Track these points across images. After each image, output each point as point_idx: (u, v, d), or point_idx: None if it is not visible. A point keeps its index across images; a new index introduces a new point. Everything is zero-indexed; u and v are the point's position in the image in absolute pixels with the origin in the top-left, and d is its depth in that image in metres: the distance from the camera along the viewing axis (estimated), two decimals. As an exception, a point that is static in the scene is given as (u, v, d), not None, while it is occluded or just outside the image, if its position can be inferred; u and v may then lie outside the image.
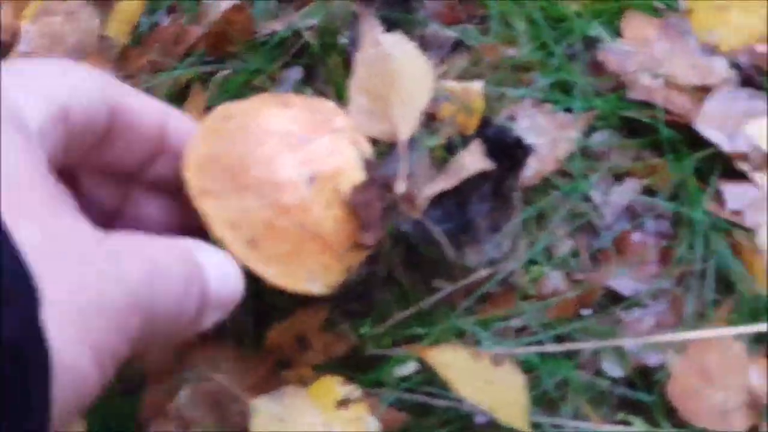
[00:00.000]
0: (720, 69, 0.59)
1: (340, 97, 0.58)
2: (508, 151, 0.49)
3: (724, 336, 0.49)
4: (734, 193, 0.55)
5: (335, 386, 0.48)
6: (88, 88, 0.37)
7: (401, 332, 0.51)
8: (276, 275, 0.43)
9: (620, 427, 0.48)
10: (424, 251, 0.50)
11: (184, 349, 0.51)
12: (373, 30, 0.51)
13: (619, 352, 0.50)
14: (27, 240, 0.28)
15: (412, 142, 0.50)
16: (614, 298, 0.52)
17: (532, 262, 0.53)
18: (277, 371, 0.50)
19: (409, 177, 0.49)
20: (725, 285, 0.53)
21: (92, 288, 0.30)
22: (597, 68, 0.60)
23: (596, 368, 0.50)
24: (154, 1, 0.72)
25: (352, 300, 0.49)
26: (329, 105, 0.49)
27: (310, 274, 0.44)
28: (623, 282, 0.53)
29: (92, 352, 0.29)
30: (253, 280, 0.42)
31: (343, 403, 0.47)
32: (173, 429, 0.50)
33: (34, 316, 0.27)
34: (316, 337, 0.50)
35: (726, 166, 0.56)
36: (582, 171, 0.56)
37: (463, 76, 0.60)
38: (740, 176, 0.56)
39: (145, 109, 0.41)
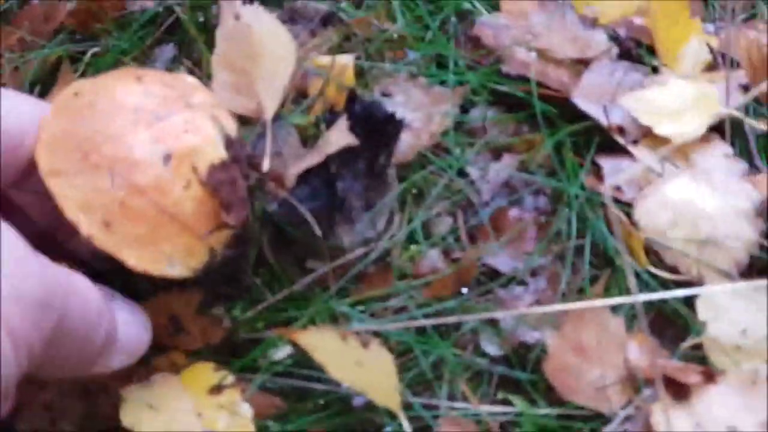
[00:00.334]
0: (599, 42, 0.59)
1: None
2: (378, 126, 0.48)
3: (598, 307, 0.48)
4: (612, 167, 0.55)
5: (208, 372, 0.47)
6: None
7: (275, 315, 0.50)
8: (133, 258, 0.42)
9: (498, 407, 0.48)
10: (292, 231, 0.48)
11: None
12: (232, 2, 0.49)
13: (497, 331, 0.49)
14: None
15: (279, 118, 0.49)
16: (493, 275, 0.52)
17: (409, 240, 0.52)
18: (149, 358, 0.49)
19: (277, 155, 0.48)
20: (604, 260, 0.52)
21: (16, 278, 0.33)
22: (474, 42, 0.59)
23: (475, 348, 0.49)
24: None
25: (220, 283, 0.48)
26: (188, 80, 0.47)
27: (170, 257, 0.43)
28: (501, 259, 0.52)
29: (10, 337, 0.32)
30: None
31: (216, 389, 0.46)
32: (41, 422, 0.47)
33: None
34: (191, 321, 0.49)
35: (604, 140, 0.56)
36: (459, 146, 0.55)
37: (335, 50, 0.58)
38: (620, 150, 0.56)
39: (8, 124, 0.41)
